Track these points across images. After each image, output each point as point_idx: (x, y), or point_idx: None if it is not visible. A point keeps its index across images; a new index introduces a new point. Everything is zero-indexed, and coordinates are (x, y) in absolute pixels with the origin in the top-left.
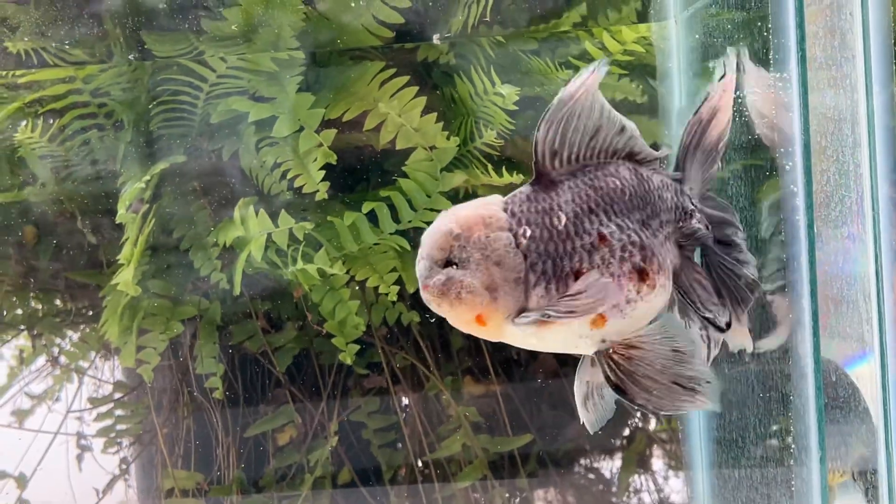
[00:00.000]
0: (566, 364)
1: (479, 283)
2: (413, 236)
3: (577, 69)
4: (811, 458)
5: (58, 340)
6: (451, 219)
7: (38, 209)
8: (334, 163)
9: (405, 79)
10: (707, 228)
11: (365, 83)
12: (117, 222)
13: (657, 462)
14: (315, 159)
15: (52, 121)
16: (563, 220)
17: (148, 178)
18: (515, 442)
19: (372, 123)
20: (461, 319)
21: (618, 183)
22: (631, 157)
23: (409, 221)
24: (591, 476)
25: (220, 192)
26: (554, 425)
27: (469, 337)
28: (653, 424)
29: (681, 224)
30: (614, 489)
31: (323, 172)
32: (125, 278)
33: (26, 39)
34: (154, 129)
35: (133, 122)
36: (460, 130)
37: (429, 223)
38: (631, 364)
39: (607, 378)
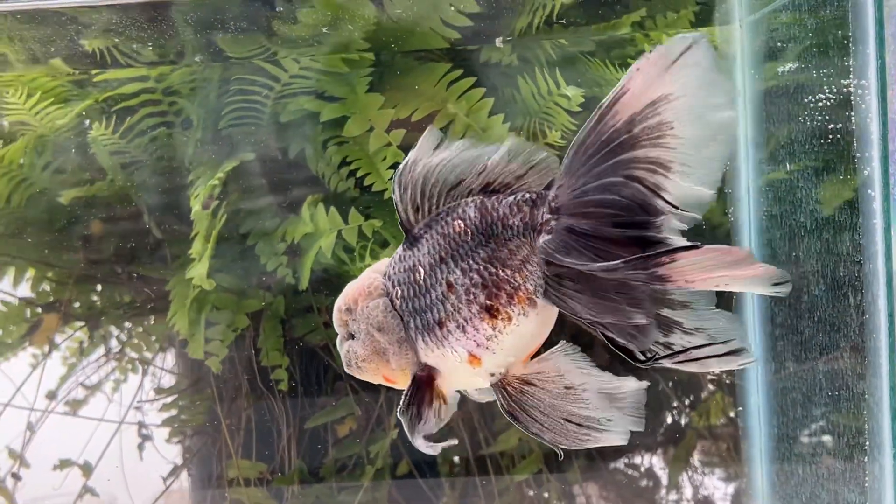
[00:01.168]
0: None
1: (369, 352)
2: None
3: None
4: (884, 454)
5: (117, 332)
6: (342, 295)
7: (106, 204)
8: None
9: (472, 80)
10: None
11: (432, 84)
12: (192, 218)
13: (710, 458)
14: (384, 158)
15: (112, 117)
16: (423, 273)
17: (221, 175)
18: None
19: (440, 123)
20: (374, 381)
21: (462, 225)
22: (486, 188)
23: None
24: (638, 472)
25: (286, 189)
26: None
27: None
28: (706, 420)
29: (532, 241)
30: (664, 484)
31: (392, 171)
32: (199, 273)
33: (101, 38)
34: (223, 127)
35: (202, 121)
36: (523, 131)
37: None
38: (523, 396)
39: (501, 406)
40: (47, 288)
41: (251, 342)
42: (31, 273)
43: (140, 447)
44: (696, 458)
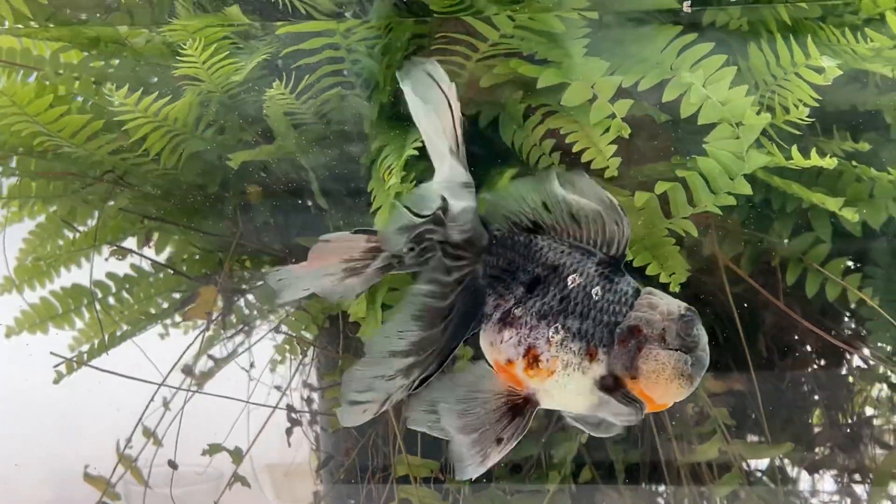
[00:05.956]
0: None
1: None
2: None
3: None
4: None
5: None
6: None
7: (269, 169)
8: (627, 136)
9: (709, 45)
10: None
11: (658, 49)
12: (372, 190)
13: None
14: (606, 131)
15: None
16: None
17: (418, 143)
18: (772, 451)
19: (672, 94)
20: None
21: None
22: None
23: (705, 206)
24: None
25: (471, 163)
26: (795, 429)
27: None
28: None
29: None
30: None
31: (614, 147)
32: None
33: None
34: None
35: (387, 82)
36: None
37: (723, 208)
38: None
39: None
40: (192, 256)
41: None
42: (176, 239)
43: (288, 432)
44: None
